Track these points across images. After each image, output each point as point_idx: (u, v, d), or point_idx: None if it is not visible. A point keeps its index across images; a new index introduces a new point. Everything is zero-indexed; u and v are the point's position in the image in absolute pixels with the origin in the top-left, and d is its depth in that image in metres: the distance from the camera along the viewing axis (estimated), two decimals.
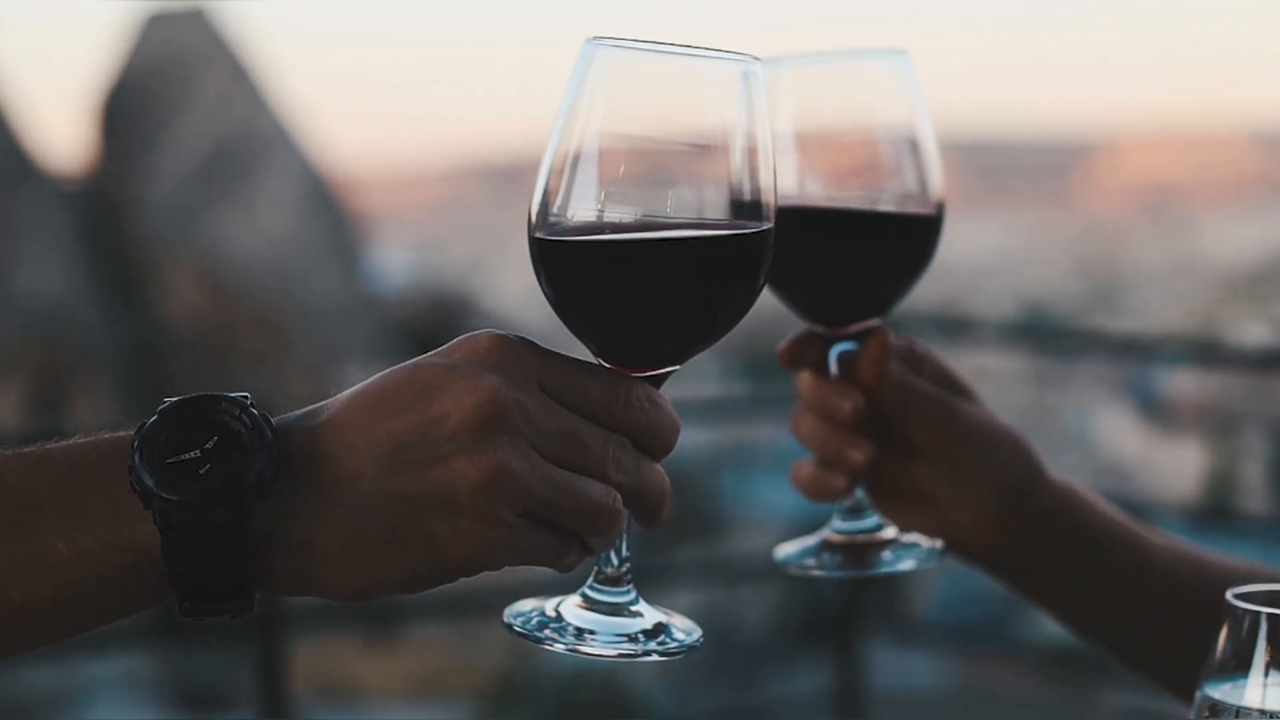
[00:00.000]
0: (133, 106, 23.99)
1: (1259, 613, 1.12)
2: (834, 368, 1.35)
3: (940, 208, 1.32)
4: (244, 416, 1.02)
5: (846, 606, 5.49)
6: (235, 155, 23.49)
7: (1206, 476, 39.43)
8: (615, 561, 1.14)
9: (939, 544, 1.38)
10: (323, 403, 1.05)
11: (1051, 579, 1.47)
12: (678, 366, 1.12)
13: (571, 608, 1.14)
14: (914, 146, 1.30)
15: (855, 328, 1.34)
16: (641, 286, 1.07)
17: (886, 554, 1.36)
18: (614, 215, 1.06)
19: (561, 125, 1.06)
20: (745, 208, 1.07)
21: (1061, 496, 1.45)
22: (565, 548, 1.05)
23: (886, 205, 1.31)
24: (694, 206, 1.07)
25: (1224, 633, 1.14)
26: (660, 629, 1.13)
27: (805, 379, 1.39)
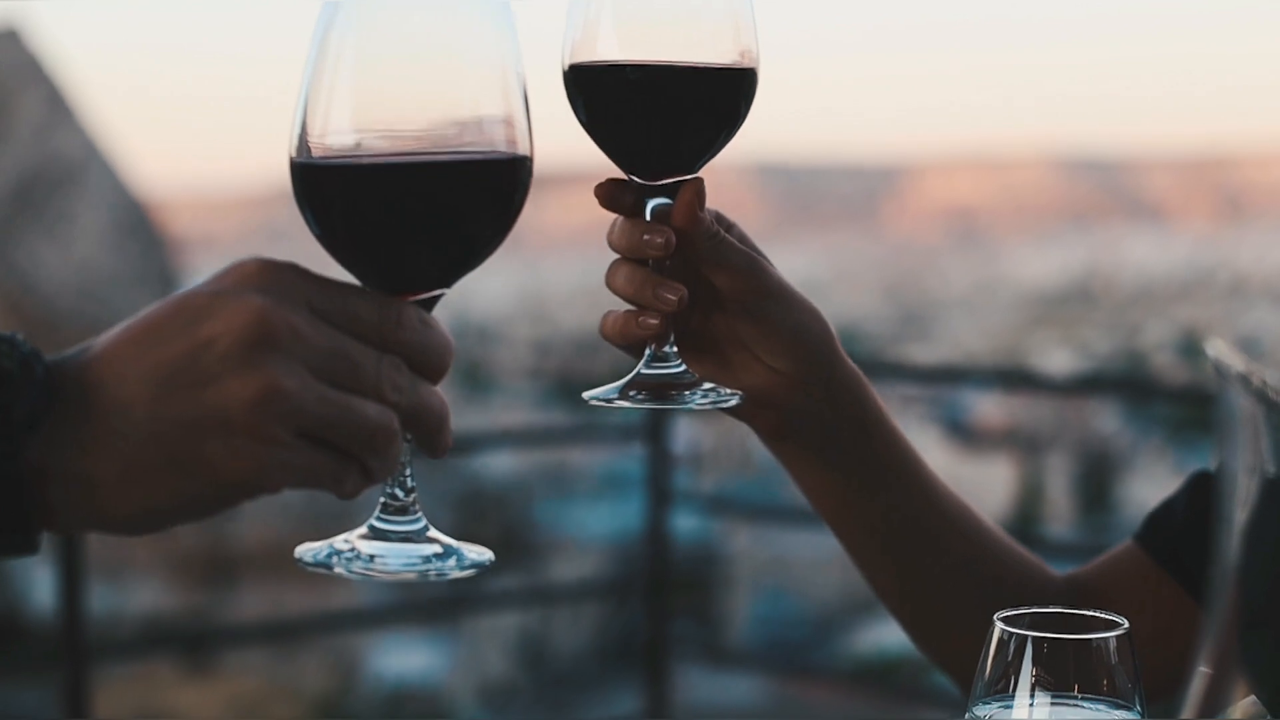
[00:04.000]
0: None
1: (1025, 636, 1.16)
2: (649, 218, 1.38)
3: (753, 68, 1.35)
4: (14, 354, 1.02)
5: (658, 628, 5.55)
6: (48, 180, 23.12)
7: (1013, 498, 40.04)
8: (401, 493, 1.15)
9: (737, 396, 1.40)
10: (93, 339, 1.06)
11: (833, 463, 1.49)
12: (446, 290, 1.14)
13: (361, 539, 1.14)
14: (731, 7, 1.34)
15: (668, 181, 1.37)
16: (400, 208, 1.09)
17: (688, 393, 1.38)
18: (372, 142, 1.09)
19: (316, 53, 1.10)
20: (502, 135, 1.11)
21: (855, 379, 1.47)
22: (344, 470, 1.05)
23: (699, 61, 1.33)
24: (453, 134, 1.10)
25: (991, 653, 1.18)
26: (451, 551, 1.14)
27: (619, 225, 1.39)
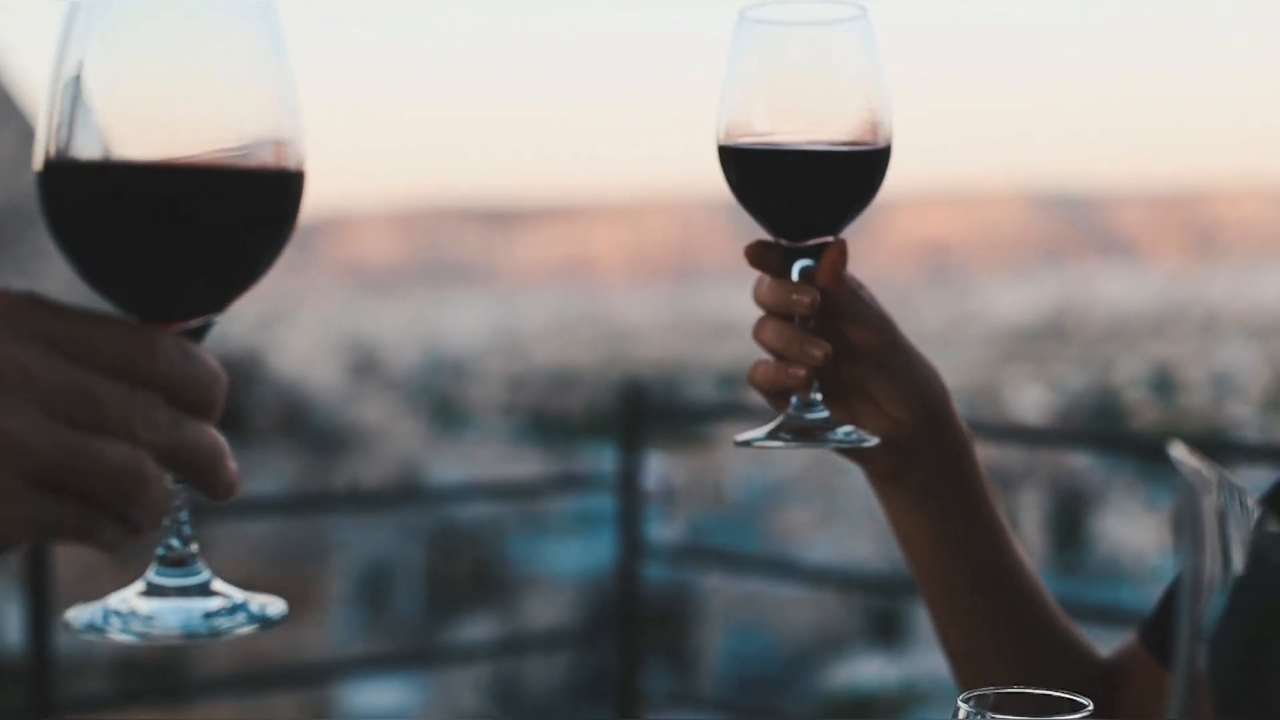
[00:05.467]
0: None
1: (990, 717, 1.16)
2: (795, 277, 1.50)
3: (888, 145, 1.50)
4: None
5: (628, 678, 5.56)
6: (21, 215, 23.09)
7: None
8: (178, 543, 1.04)
9: (875, 439, 1.51)
10: None
11: (933, 508, 1.59)
12: (215, 317, 1.03)
13: (137, 597, 1.03)
14: (868, 92, 1.48)
15: (812, 243, 1.50)
16: (153, 221, 0.98)
17: (833, 433, 1.50)
18: (122, 150, 0.97)
19: (60, 53, 1.00)
20: (269, 146, 1.01)
21: (964, 436, 1.58)
22: (95, 520, 0.93)
23: (839, 141, 1.47)
24: (215, 140, 0.99)
25: None
26: (238, 607, 1.04)
27: (765, 284, 1.50)
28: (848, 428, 1.51)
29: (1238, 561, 0.89)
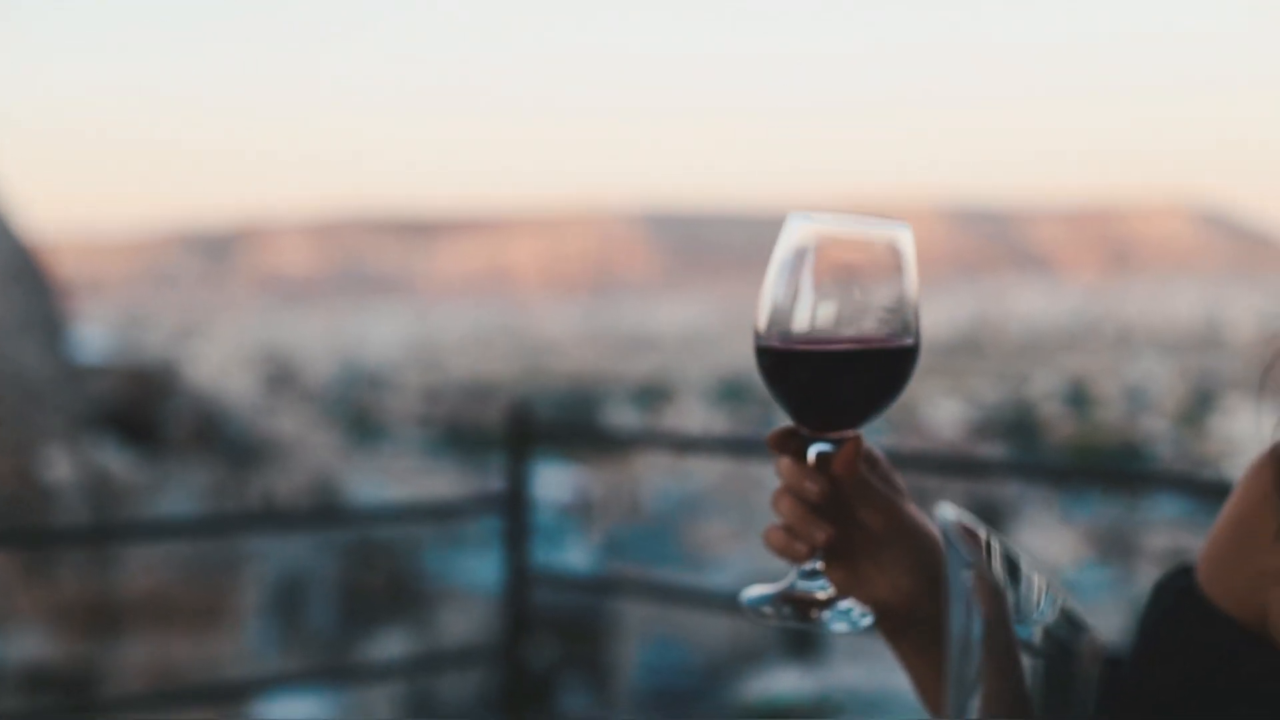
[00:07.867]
0: None
1: None
2: (811, 460, 1.63)
3: (915, 343, 1.61)
4: None
5: (547, 675, 5.57)
6: None
7: None
8: None
9: (870, 616, 1.67)
10: None
11: (938, 659, 1.67)
12: None
13: None
14: (902, 296, 1.59)
15: (833, 435, 1.63)
16: None
17: (827, 614, 1.65)
18: None
19: None
20: None
21: None
22: None
23: (870, 339, 1.59)
24: None
25: None
26: None
27: (785, 464, 1.65)
28: (845, 606, 1.65)
29: (1034, 634, 0.92)
